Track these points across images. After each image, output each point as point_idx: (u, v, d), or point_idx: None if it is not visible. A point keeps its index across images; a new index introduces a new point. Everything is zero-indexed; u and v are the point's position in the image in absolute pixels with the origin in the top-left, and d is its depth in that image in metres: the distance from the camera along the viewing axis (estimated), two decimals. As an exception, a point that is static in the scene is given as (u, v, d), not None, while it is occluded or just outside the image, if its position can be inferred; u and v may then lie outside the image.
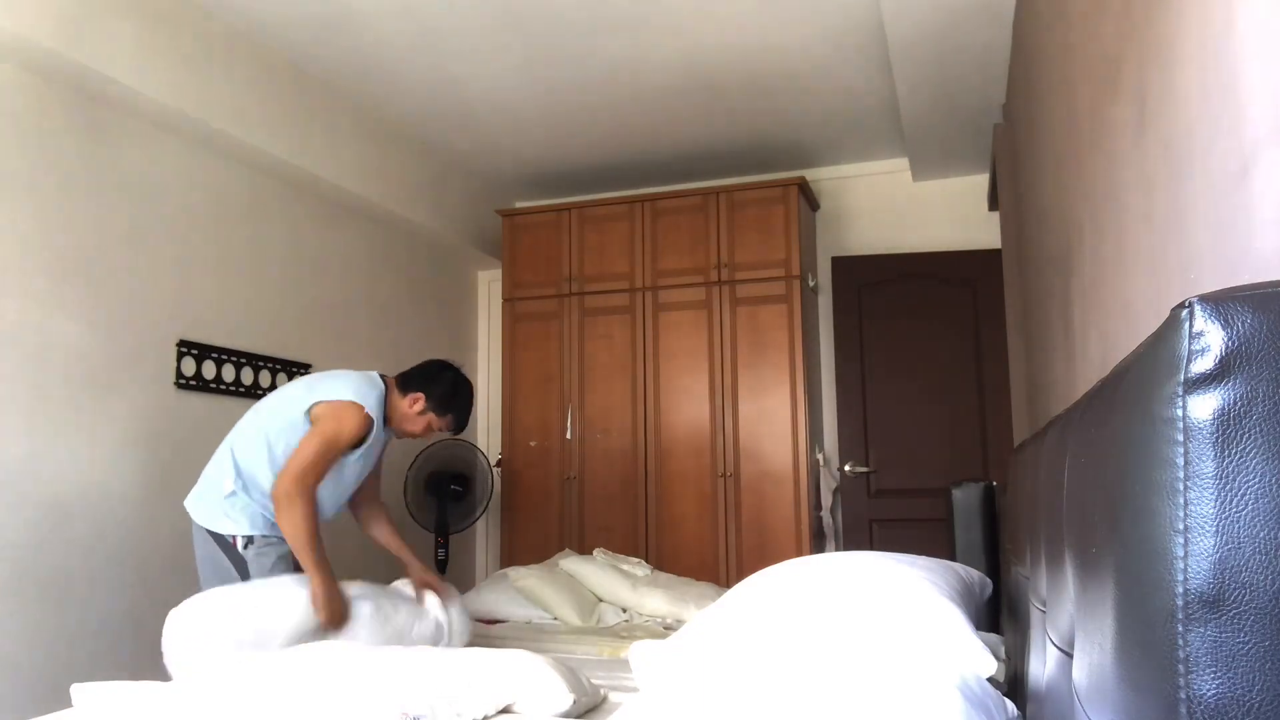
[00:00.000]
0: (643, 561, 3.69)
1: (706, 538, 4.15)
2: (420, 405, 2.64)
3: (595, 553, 3.67)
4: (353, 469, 2.59)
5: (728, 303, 4.25)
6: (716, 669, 1.44)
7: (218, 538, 2.49)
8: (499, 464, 4.63)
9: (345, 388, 2.53)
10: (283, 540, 2.49)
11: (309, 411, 2.50)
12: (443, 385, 2.68)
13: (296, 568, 2.49)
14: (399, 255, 4.53)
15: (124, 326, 3.03)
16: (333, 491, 2.56)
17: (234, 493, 2.49)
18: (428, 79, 3.72)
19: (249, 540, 2.49)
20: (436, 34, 3.36)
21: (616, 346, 4.42)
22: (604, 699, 1.99)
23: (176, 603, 3.20)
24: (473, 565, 5.04)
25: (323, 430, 2.45)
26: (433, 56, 3.53)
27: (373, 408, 2.52)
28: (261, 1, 3.13)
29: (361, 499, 2.78)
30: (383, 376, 2.68)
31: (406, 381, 2.68)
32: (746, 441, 4.15)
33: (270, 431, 2.51)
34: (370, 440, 2.56)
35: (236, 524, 2.48)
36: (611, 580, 3.39)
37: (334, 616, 2.36)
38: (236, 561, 2.49)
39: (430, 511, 4.19)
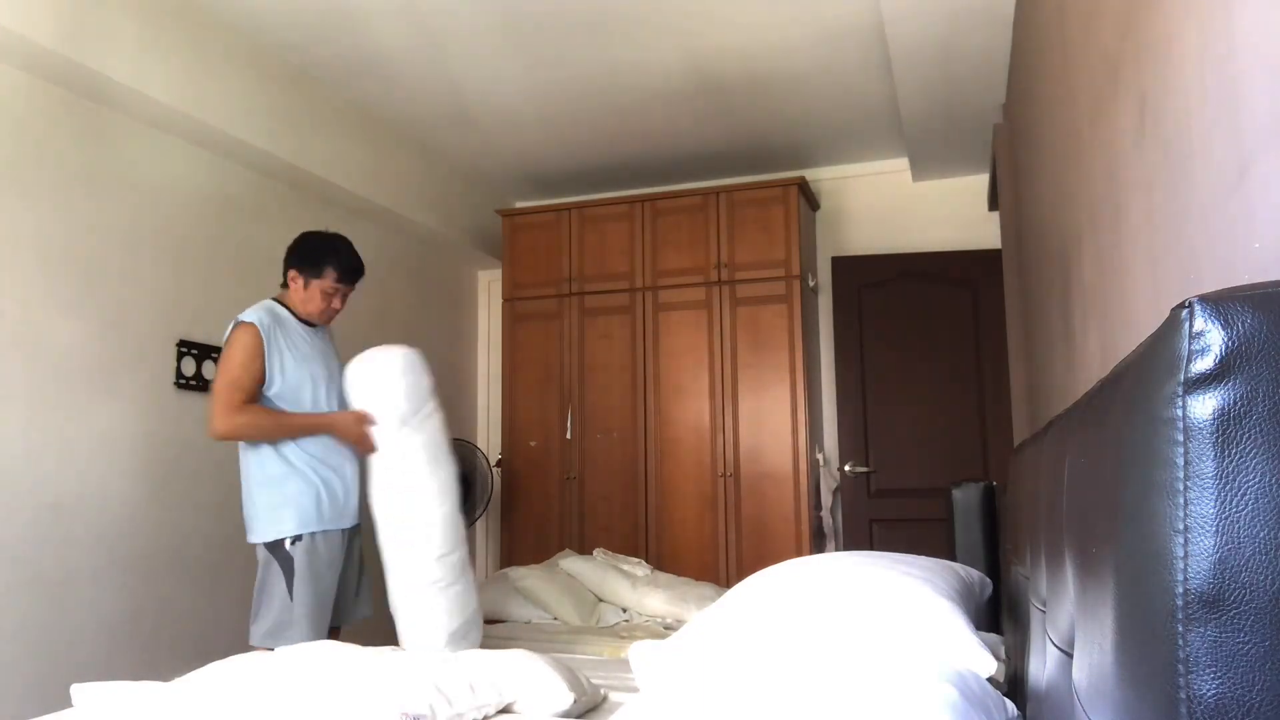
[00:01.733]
0: (642, 561, 3.69)
1: (706, 538, 4.15)
2: (299, 279, 2.63)
3: (595, 553, 3.67)
4: (303, 378, 2.56)
5: (728, 303, 4.25)
6: (716, 669, 1.44)
7: (271, 548, 2.49)
8: (499, 464, 4.63)
9: (232, 321, 2.56)
10: (339, 537, 2.55)
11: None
12: (302, 248, 2.66)
13: (348, 569, 2.61)
14: (399, 255, 4.53)
15: (124, 326, 3.03)
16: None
17: (256, 486, 2.50)
18: (428, 79, 3.72)
19: (295, 539, 2.48)
20: (437, 34, 3.36)
21: (616, 346, 4.42)
22: (604, 699, 1.99)
23: (177, 603, 3.21)
24: (473, 565, 5.03)
25: (222, 360, 2.52)
26: (433, 56, 3.53)
27: (258, 316, 2.52)
28: (261, 1, 3.13)
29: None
30: (275, 298, 2.68)
31: (284, 279, 2.68)
32: (746, 441, 4.15)
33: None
34: (290, 343, 2.55)
35: (277, 524, 2.48)
36: (611, 580, 3.39)
37: (359, 439, 2.51)
38: (284, 562, 2.46)
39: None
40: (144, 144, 3.13)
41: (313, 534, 2.49)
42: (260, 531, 2.50)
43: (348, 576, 2.64)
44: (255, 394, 2.49)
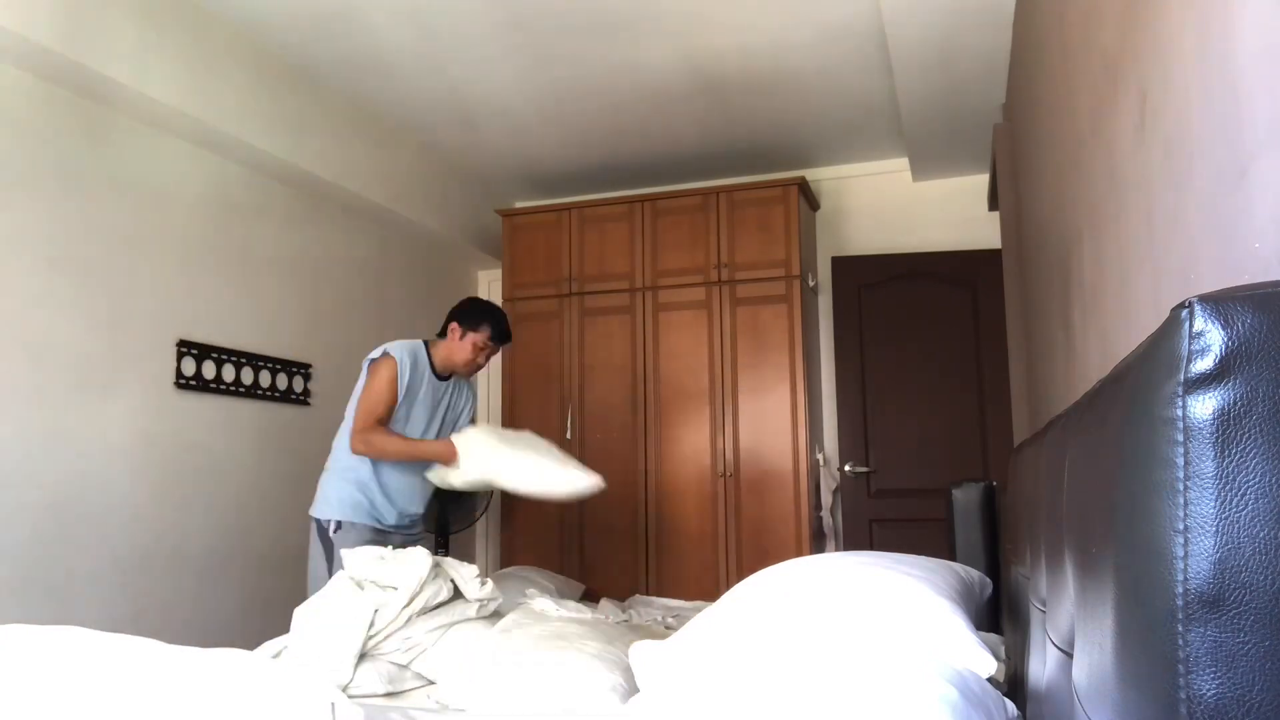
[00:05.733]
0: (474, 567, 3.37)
1: (706, 538, 4.15)
2: (458, 332, 2.98)
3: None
4: (419, 421, 2.93)
5: (728, 302, 4.25)
6: (717, 669, 1.44)
7: (316, 523, 2.83)
8: (499, 464, 4.62)
9: (381, 348, 2.89)
10: (369, 527, 2.84)
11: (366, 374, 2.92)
12: (468, 308, 3.04)
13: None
14: (399, 255, 4.53)
15: (124, 326, 3.03)
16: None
17: (328, 470, 2.88)
18: (428, 79, 3.72)
19: (338, 525, 2.81)
20: (437, 34, 3.36)
21: (616, 346, 4.42)
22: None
23: (177, 603, 3.21)
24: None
25: (366, 385, 2.86)
26: (433, 56, 3.53)
27: (402, 354, 2.86)
28: (262, 1, 3.13)
29: None
30: (426, 342, 3.02)
31: (442, 329, 3.03)
32: (746, 441, 4.15)
33: (350, 408, 2.92)
34: (417, 387, 2.89)
35: (328, 506, 2.83)
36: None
37: (449, 456, 2.84)
38: (326, 546, 2.80)
39: (430, 511, 4.18)
40: (144, 144, 3.13)
41: (352, 523, 2.81)
42: (316, 508, 2.85)
43: None
44: (387, 418, 2.84)
